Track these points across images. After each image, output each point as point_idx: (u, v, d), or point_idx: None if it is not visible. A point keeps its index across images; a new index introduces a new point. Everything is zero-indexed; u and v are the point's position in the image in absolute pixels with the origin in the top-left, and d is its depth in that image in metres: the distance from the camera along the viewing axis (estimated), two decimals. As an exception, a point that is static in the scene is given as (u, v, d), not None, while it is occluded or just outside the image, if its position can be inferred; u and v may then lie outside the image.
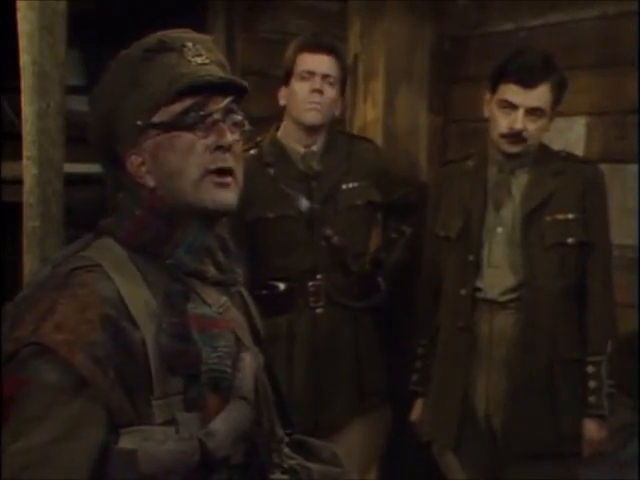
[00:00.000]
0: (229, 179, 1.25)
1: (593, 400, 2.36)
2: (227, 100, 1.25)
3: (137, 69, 1.24)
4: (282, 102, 2.54)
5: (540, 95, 2.30)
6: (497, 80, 2.35)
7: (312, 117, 2.49)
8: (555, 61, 2.35)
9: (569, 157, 2.48)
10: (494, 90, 2.37)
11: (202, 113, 1.23)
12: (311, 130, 2.52)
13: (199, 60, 1.25)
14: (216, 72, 1.26)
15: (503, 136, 2.34)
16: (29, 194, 2.00)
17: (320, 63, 2.49)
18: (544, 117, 2.33)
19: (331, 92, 2.50)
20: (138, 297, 1.20)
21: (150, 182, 1.25)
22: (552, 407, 2.37)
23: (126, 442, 1.13)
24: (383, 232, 2.88)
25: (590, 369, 2.37)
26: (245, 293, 1.46)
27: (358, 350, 2.59)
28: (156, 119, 1.23)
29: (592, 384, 2.36)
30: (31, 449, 1.07)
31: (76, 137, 2.14)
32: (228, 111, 1.26)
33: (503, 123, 2.33)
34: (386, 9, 3.05)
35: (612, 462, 2.43)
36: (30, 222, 2.01)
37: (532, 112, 2.31)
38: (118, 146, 1.27)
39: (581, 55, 2.78)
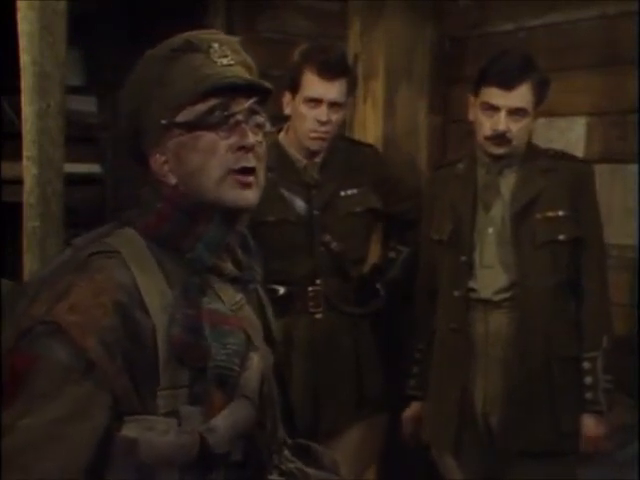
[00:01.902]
0: (251, 178, 1.26)
1: (590, 396, 2.36)
2: (250, 101, 1.27)
3: (163, 68, 1.26)
4: (287, 111, 2.48)
5: (521, 96, 2.32)
6: (479, 84, 2.39)
7: (316, 145, 2.47)
8: (535, 61, 2.37)
9: (557, 155, 2.48)
10: (477, 93, 2.39)
11: (226, 113, 1.24)
12: (315, 152, 2.51)
13: (225, 61, 1.26)
14: (241, 73, 1.27)
15: (488, 138, 2.37)
16: (29, 194, 2.00)
17: (328, 91, 2.40)
18: (527, 117, 2.35)
19: (338, 116, 2.45)
20: (154, 287, 1.21)
21: (172, 180, 1.27)
22: (550, 405, 2.37)
23: (129, 430, 1.15)
24: (382, 245, 2.87)
25: (586, 365, 2.37)
26: (262, 292, 1.47)
27: (357, 355, 2.58)
28: (180, 118, 1.25)
29: (588, 380, 2.37)
30: (38, 426, 1.08)
31: (76, 137, 2.15)
32: (251, 112, 1.27)
33: (487, 125, 2.36)
34: (386, 9, 3.05)
35: (612, 462, 2.43)
36: (30, 222, 2.01)
37: (514, 112, 2.33)
38: (143, 144, 1.28)
39: (581, 55, 2.78)
